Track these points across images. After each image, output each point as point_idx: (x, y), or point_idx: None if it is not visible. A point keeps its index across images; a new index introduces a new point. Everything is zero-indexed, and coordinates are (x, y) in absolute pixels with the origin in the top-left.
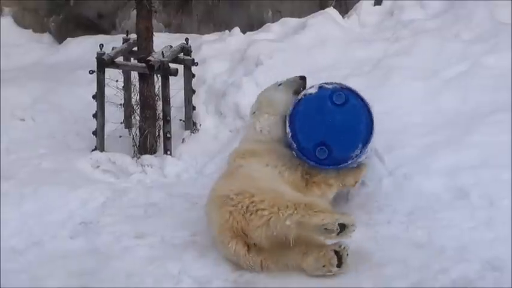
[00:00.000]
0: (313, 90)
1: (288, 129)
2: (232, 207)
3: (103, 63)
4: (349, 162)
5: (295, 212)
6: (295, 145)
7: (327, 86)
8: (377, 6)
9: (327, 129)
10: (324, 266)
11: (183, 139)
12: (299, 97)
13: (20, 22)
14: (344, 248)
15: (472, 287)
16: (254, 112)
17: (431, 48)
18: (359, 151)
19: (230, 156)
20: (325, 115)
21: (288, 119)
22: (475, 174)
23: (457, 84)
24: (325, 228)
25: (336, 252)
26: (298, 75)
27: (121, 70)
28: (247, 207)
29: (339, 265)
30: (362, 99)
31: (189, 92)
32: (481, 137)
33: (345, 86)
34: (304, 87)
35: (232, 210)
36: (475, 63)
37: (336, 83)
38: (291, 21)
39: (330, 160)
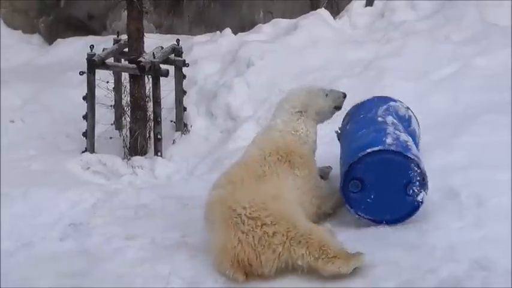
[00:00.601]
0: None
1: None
2: (243, 234)
3: (93, 64)
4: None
5: (307, 252)
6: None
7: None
8: (368, 8)
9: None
10: None
11: (174, 140)
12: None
13: (10, 23)
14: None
15: (460, 287)
16: (292, 110)
17: (422, 50)
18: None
19: (265, 143)
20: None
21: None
22: (464, 175)
23: (448, 85)
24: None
25: None
26: (341, 91)
27: (111, 71)
28: (259, 239)
29: None
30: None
31: (180, 93)
32: (471, 137)
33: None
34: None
35: (242, 238)
36: (466, 64)
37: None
38: (283, 22)
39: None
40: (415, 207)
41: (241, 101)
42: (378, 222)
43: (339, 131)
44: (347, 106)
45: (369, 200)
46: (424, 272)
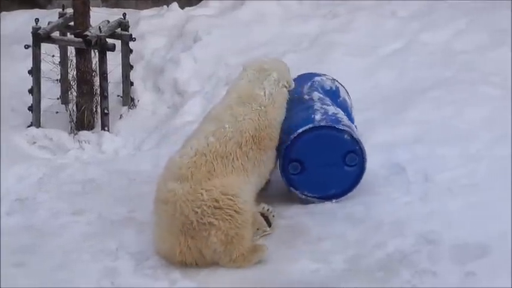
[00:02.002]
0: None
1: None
2: (192, 239)
3: (39, 37)
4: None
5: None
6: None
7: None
8: None
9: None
10: (258, 229)
11: (121, 115)
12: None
13: None
14: (268, 210)
15: (407, 260)
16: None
17: (369, 25)
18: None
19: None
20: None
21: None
22: (411, 150)
23: (394, 60)
24: None
25: (262, 215)
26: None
27: (57, 45)
28: (206, 242)
29: (269, 225)
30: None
31: (127, 67)
32: (417, 113)
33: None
34: None
35: (191, 244)
36: (412, 40)
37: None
38: None
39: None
40: (357, 176)
41: (188, 76)
42: (325, 199)
43: None
44: None
45: (311, 178)
46: (371, 246)
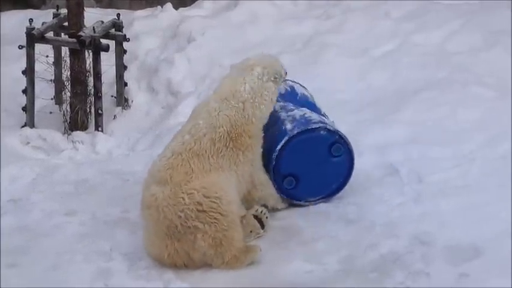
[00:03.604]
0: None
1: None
2: (179, 242)
3: (33, 38)
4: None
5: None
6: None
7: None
8: None
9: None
10: (251, 231)
11: (115, 115)
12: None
13: None
14: (261, 211)
15: (400, 262)
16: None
17: (362, 26)
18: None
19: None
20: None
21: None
22: (404, 151)
23: (387, 61)
24: None
25: (256, 217)
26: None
27: (51, 45)
28: (193, 244)
29: (263, 227)
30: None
31: (121, 67)
32: (410, 114)
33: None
34: None
35: (178, 247)
36: (405, 41)
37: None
38: None
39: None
40: (350, 161)
41: (182, 76)
42: (331, 195)
43: None
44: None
45: (309, 185)
46: (364, 247)
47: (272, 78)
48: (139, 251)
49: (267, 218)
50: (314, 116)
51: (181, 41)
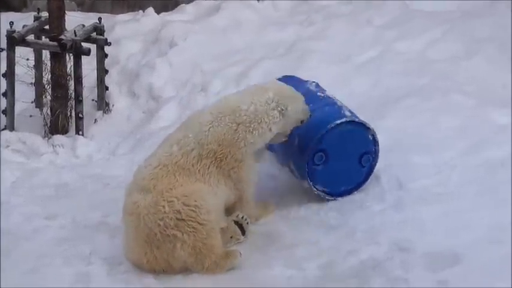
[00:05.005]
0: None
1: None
2: (158, 249)
3: (13, 41)
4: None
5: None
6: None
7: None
8: None
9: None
10: (231, 237)
11: (96, 119)
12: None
13: None
14: (242, 217)
15: (380, 268)
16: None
17: (345, 33)
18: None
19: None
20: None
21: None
22: (385, 158)
23: (369, 69)
24: None
25: (236, 223)
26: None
27: (32, 48)
28: (172, 252)
29: (243, 233)
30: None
31: (102, 72)
32: (391, 121)
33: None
34: None
35: (157, 254)
36: (387, 48)
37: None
38: (206, 3)
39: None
40: (367, 175)
41: (163, 81)
42: (332, 195)
43: None
44: None
45: (327, 172)
46: (344, 253)
47: (279, 109)
48: (119, 255)
49: (247, 223)
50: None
51: (163, 46)
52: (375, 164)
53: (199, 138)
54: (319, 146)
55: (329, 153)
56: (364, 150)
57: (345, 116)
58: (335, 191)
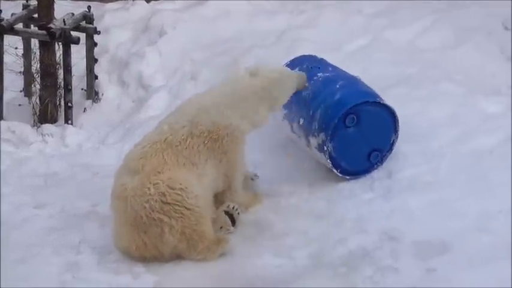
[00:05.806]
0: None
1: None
2: (145, 234)
3: (2, 29)
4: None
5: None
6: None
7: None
8: None
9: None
10: (221, 228)
11: (85, 108)
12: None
13: None
14: (233, 207)
15: (369, 257)
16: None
17: (335, 21)
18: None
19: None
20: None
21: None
22: None
23: (359, 57)
24: None
25: (227, 213)
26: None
27: (21, 37)
28: (160, 237)
29: (233, 223)
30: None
31: (91, 60)
32: None
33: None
34: None
35: (145, 239)
36: (376, 37)
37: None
38: None
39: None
40: (366, 169)
41: (153, 70)
42: (335, 167)
43: None
44: None
45: (344, 142)
46: (333, 242)
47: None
48: (108, 245)
49: (238, 214)
50: None
51: (152, 35)
52: (376, 166)
53: (193, 117)
54: (350, 112)
55: (361, 120)
56: (379, 146)
57: (379, 98)
58: (337, 165)
